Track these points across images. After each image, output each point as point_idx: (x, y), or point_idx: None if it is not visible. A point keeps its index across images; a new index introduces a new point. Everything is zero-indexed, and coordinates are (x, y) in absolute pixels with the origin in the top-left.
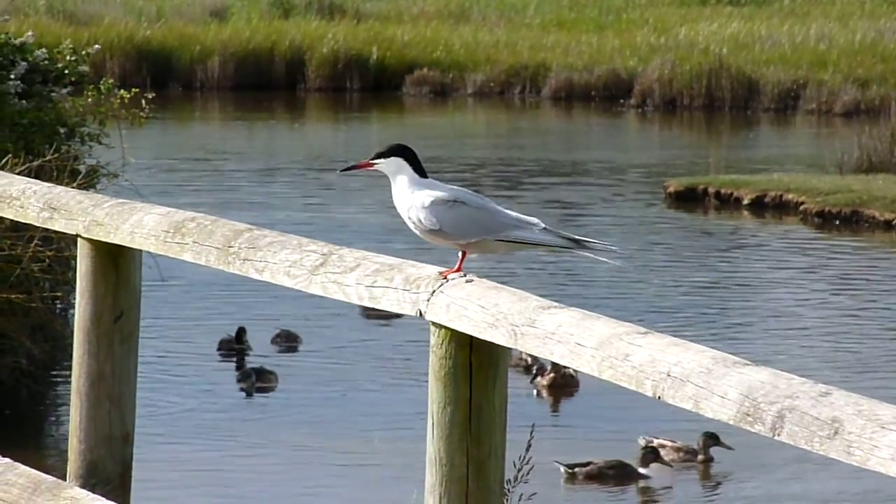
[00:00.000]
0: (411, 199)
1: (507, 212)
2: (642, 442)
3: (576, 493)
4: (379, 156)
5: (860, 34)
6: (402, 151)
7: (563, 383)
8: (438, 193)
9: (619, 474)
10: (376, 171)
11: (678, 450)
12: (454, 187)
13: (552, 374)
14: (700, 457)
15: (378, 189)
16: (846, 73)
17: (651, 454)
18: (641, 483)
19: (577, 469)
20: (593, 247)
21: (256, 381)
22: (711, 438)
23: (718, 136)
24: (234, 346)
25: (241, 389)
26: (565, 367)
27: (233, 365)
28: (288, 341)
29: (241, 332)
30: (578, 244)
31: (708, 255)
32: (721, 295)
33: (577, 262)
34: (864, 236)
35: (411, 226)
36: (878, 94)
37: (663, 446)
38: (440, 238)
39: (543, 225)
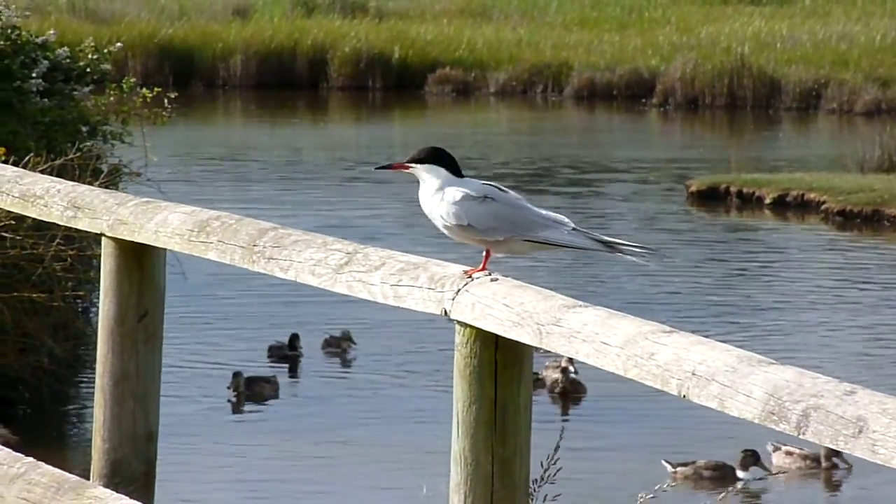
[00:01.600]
0: (440, 195)
1: (538, 210)
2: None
3: (676, 493)
4: (416, 160)
5: (881, 33)
6: (439, 157)
7: (571, 389)
8: (468, 189)
9: (718, 476)
10: (410, 173)
11: (805, 457)
12: (485, 184)
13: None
14: (824, 463)
15: (402, 187)
16: (867, 72)
17: (751, 457)
18: (739, 485)
19: (678, 468)
20: (625, 249)
21: (246, 389)
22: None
23: (740, 135)
24: (287, 353)
25: (229, 399)
26: (572, 373)
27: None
28: (337, 346)
29: (295, 338)
30: (610, 247)
31: (730, 253)
32: (744, 293)
33: (600, 261)
34: (886, 235)
35: (438, 222)
36: None
37: (791, 453)
38: (467, 234)
39: (573, 225)
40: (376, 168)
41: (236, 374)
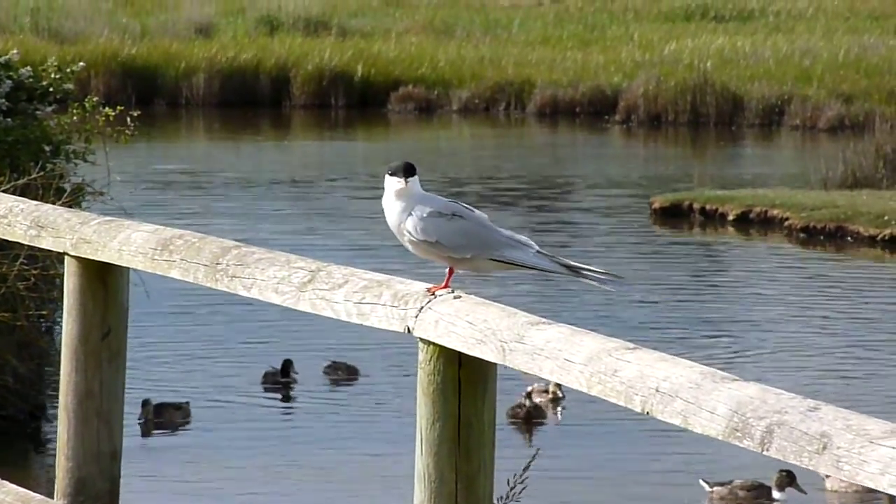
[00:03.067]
0: (406, 210)
1: (503, 230)
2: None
3: None
4: (409, 174)
5: (844, 49)
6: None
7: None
8: (436, 206)
9: (754, 496)
10: (406, 188)
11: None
12: (450, 200)
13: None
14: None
15: (364, 204)
16: (831, 88)
17: (787, 478)
18: None
19: (715, 488)
20: (587, 274)
21: (155, 416)
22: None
23: (703, 152)
24: (280, 380)
25: (138, 422)
26: (535, 399)
27: (271, 398)
28: (343, 372)
29: (288, 364)
30: (573, 271)
31: (694, 270)
32: (707, 310)
33: (563, 279)
34: (849, 252)
35: (404, 237)
36: (862, 109)
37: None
38: (434, 251)
39: (537, 248)
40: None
41: (145, 402)
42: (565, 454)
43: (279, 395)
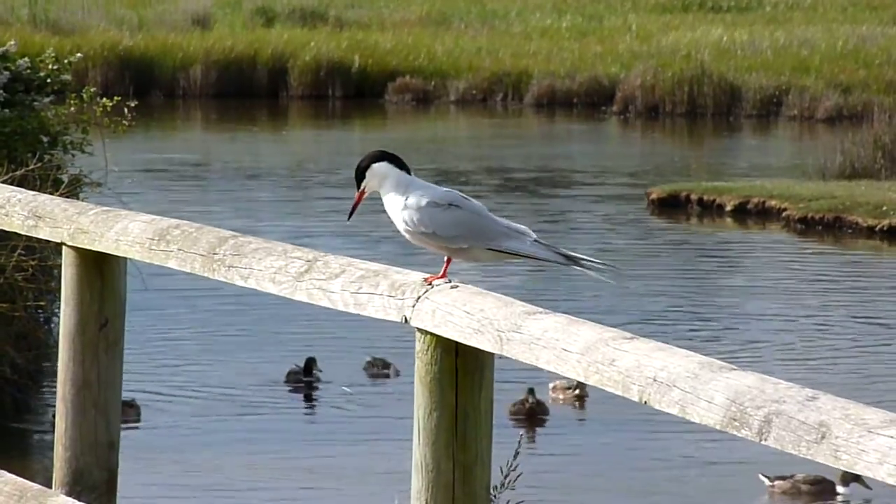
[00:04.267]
0: (404, 200)
1: (500, 220)
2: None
3: None
4: (360, 178)
5: (842, 40)
6: (381, 156)
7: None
8: (433, 196)
9: (817, 490)
10: (371, 193)
11: None
12: (448, 190)
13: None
14: None
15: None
16: (828, 78)
17: (852, 473)
18: (840, 500)
19: (776, 482)
20: (584, 263)
21: None
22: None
23: (701, 143)
24: (303, 379)
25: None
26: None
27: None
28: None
29: (311, 362)
30: (570, 260)
31: (691, 261)
32: (704, 301)
33: (560, 269)
34: (847, 242)
35: (402, 227)
36: (860, 99)
37: None
38: (430, 241)
39: (535, 236)
40: (349, 219)
41: None
42: (573, 451)
43: (301, 394)
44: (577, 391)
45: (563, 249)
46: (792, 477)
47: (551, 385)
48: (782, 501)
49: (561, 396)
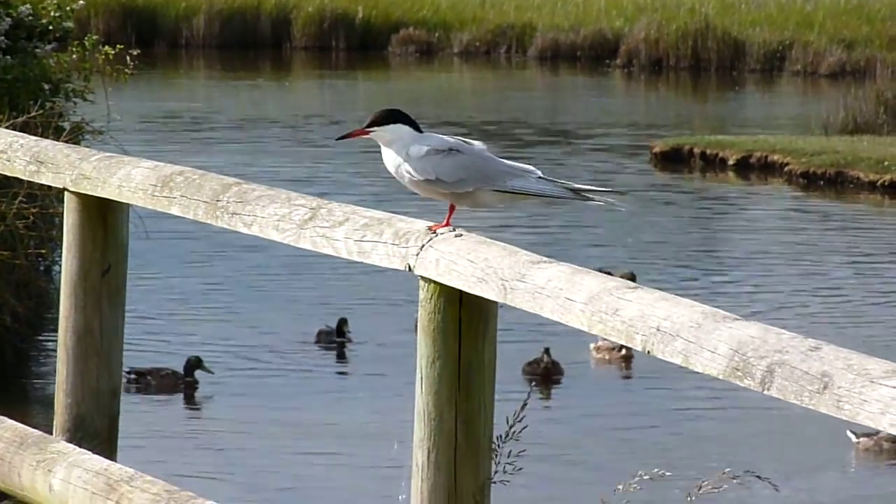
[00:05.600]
0: (404, 152)
1: (503, 160)
2: None
3: (860, 461)
4: (374, 124)
5: None
6: (399, 117)
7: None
8: (432, 144)
9: None
10: (370, 138)
11: None
12: (448, 138)
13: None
14: None
15: (365, 143)
16: (832, 34)
17: None
18: None
19: (861, 439)
20: (593, 196)
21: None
22: None
23: (704, 97)
24: (335, 339)
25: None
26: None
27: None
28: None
29: (343, 322)
30: (577, 193)
31: (694, 214)
32: (707, 253)
33: (564, 218)
34: (849, 197)
35: (405, 178)
36: (863, 55)
37: None
38: (435, 188)
39: (539, 173)
40: (336, 140)
41: None
42: (586, 410)
43: (333, 354)
44: (622, 351)
45: (570, 183)
46: (877, 434)
47: (593, 345)
48: (866, 457)
49: (606, 356)
